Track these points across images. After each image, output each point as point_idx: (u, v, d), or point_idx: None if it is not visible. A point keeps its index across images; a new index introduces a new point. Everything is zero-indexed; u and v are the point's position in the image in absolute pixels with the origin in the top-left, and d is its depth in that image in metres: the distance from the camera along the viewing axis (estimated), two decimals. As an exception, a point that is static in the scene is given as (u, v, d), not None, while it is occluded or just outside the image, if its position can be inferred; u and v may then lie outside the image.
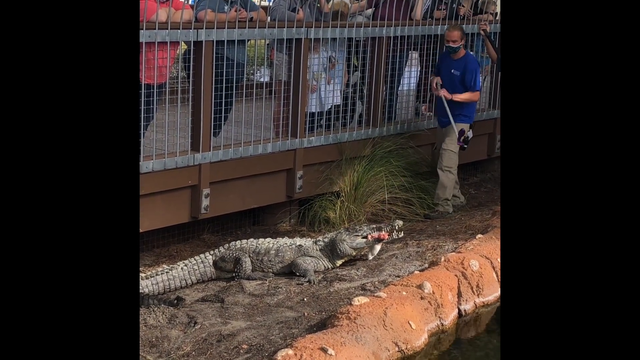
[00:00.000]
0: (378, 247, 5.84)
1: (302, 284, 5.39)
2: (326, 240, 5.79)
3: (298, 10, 6.78)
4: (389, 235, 5.76)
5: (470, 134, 7.22)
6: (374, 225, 5.86)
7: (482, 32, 7.92)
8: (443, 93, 7.14)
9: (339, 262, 5.76)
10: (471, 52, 8.25)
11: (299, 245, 5.73)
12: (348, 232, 5.78)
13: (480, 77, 7.57)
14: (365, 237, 5.74)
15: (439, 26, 7.78)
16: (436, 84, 7.24)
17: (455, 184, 7.37)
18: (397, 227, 5.80)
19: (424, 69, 7.85)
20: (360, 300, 4.54)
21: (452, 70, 7.20)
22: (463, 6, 8.21)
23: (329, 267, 5.73)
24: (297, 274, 5.56)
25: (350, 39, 7.25)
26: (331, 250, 5.72)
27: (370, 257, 5.83)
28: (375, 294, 4.73)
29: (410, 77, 8.12)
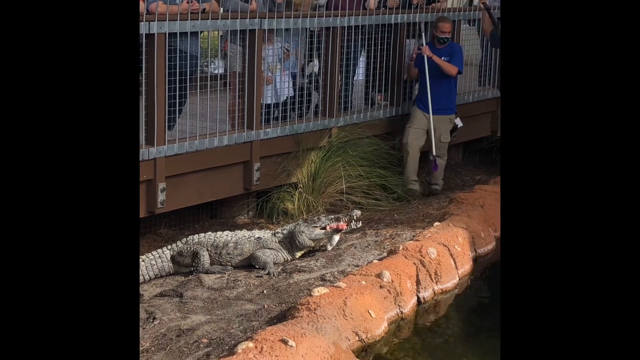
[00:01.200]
0: (337, 238, 5.85)
1: (261, 277, 5.38)
2: (285, 232, 5.78)
3: (251, 1, 6.74)
4: (347, 225, 5.77)
5: (459, 122, 7.77)
6: (332, 216, 5.86)
7: (482, 4, 8.12)
8: (426, 51, 7.52)
9: (299, 254, 5.75)
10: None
11: (258, 237, 5.71)
12: (306, 223, 5.77)
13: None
14: (324, 228, 5.74)
15: (393, 15, 7.79)
16: (418, 48, 7.67)
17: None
18: (355, 217, 5.81)
19: (377, 59, 7.87)
20: (319, 291, 4.54)
21: (442, 58, 7.57)
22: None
23: (289, 258, 5.72)
24: (257, 266, 5.54)
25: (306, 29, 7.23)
26: (290, 242, 5.71)
27: (329, 247, 5.84)
28: (335, 284, 4.74)
29: (364, 66, 8.14)
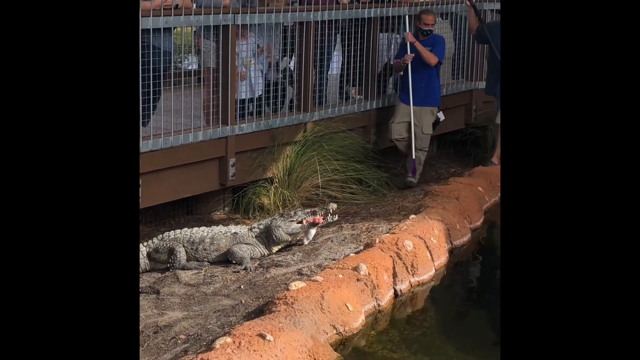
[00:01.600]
0: (313, 232, 5.86)
1: (238, 272, 5.38)
2: (261, 226, 5.78)
3: None
4: (323, 218, 5.78)
5: (441, 116, 7.94)
6: (309, 210, 5.87)
7: (467, 1, 8.26)
8: (409, 37, 7.71)
9: (276, 249, 5.76)
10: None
11: (234, 232, 5.71)
12: (283, 217, 5.78)
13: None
14: (301, 222, 5.75)
15: (366, 10, 7.81)
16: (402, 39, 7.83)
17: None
18: (331, 210, 5.82)
19: (352, 53, 7.89)
20: (297, 285, 4.55)
21: (426, 48, 7.74)
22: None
23: (266, 253, 5.72)
24: (234, 261, 5.54)
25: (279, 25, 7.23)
26: (267, 237, 5.72)
27: (306, 241, 5.85)
28: (312, 278, 4.75)
29: (338, 60, 8.15)
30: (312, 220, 5.75)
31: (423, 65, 7.75)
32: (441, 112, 7.97)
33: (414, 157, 7.80)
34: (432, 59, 7.75)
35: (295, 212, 5.84)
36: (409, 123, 7.81)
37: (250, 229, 5.78)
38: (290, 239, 5.77)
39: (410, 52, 7.72)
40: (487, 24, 8.42)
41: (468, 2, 8.31)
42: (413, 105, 7.80)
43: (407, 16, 8.02)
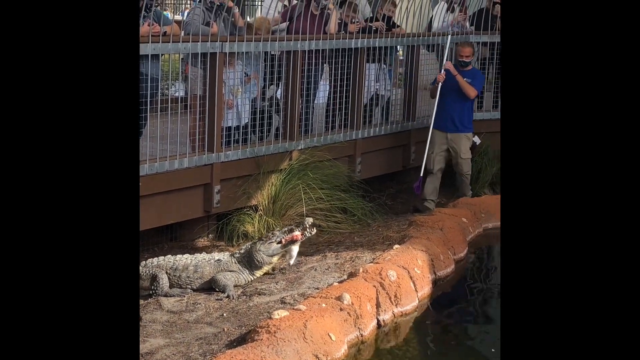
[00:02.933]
0: (296, 249, 5.83)
1: (221, 300, 5.35)
2: (242, 252, 5.77)
3: (212, 24, 6.76)
4: (302, 234, 5.77)
5: (477, 139, 8.28)
6: (286, 229, 5.88)
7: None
8: (449, 67, 7.99)
9: (260, 273, 5.74)
10: (384, 65, 8.44)
11: (218, 260, 5.69)
12: (262, 241, 5.78)
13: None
14: (280, 241, 5.74)
15: (353, 40, 7.87)
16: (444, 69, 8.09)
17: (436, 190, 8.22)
18: (308, 225, 5.81)
19: (338, 82, 7.93)
20: (280, 313, 4.54)
21: (465, 79, 8.03)
22: (378, 20, 8.35)
23: (250, 279, 5.70)
24: (217, 289, 5.52)
25: (266, 53, 7.27)
26: (249, 262, 5.71)
27: (291, 261, 5.82)
28: (295, 307, 4.74)
29: (324, 90, 8.19)
30: (290, 238, 5.74)
31: (459, 94, 8.02)
32: (476, 136, 8.31)
33: (421, 174, 8.09)
34: (471, 91, 8.05)
35: (273, 234, 5.83)
36: (446, 150, 8.15)
37: (232, 255, 5.76)
38: (273, 260, 5.76)
39: (450, 85, 8.00)
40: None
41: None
42: (448, 132, 8.10)
43: (447, 46, 8.32)
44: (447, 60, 8.23)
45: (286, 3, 8.09)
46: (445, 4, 9.33)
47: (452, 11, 9.24)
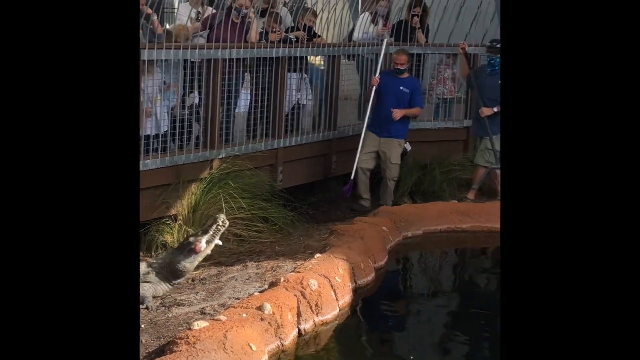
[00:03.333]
0: (211, 245, 5.79)
1: (139, 311, 5.25)
2: (160, 261, 5.69)
3: None
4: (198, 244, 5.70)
5: (408, 146, 8.50)
6: (199, 231, 5.84)
7: (461, 50, 8.85)
8: (397, 114, 8.30)
9: (182, 280, 5.68)
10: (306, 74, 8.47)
11: None
12: (179, 250, 5.72)
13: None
14: (193, 249, 5.70)
15: (274, 49, 7.87)
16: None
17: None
18: (221, 221, 5.78)
19: (259, 91, 7.91)
20: (199, 324, 4.48)
21: (401, 87, 8.38)
22: (299, 29, 8.38)
23: (168, 289, 5.62)
24: (134, 301, 5.42)
25: (186, 61, 7.20)
26: (170, 272, 5.63)
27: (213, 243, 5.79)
28: (215, 318, 4.68)
29: (245, 98, 8.16)
30: (196, 249, 5.69)
31: (396, 100, 8.32)
32: (407, 143, 8.47)
33: (352, 177, 8.33)
34: (417, 112, 8.54)
35: (188, 242, 5.78)
36: (375, 152, 8.38)
37: (150, 265, 5.67)
38: (195, 264, 5.74)
39: (389, 93, 8.35)
40: (474, 70, 8.86)
41: (462, 50, 8.84)
42: (382, 136, 8.38)
43: (383, 52, 8.66)
44: (381, 65, 8.55)
45: (200, 9, 8.04)
46: (370, 15, 9.43)
47: (376, 24, 9.34)
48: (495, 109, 8.28)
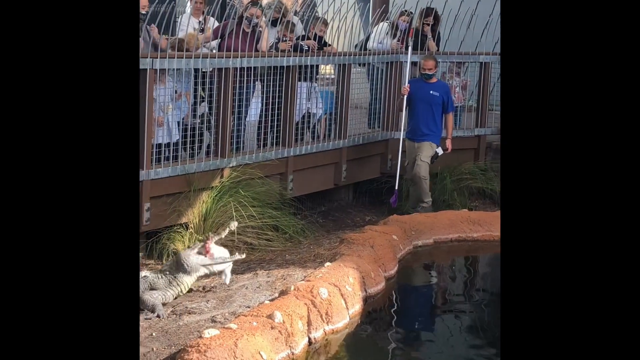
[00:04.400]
0: (228, 268, 5.82)
1: (150, 319, 5.27)
2: (169, 263, 5.73)
3: (140, 41, 6.70)
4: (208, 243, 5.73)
5: (440, 151, 8.60)
6: (207, 234, 5.89)
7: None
8: (404, 91, 8.54)
9: (190, 281, 5.67)
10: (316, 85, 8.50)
11: (144, 276, 5.61)
12: (189, 248, 5.78)
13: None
14: (200, 252, 5.72)
15: (285, 58, 7.89)
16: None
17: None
18: (229, 227, 5.82)
19: (270, 100, 7.94)
20: (210, 332, 4.49)
21: (432, 92, 8.53)
22: (309, 38, 8.41)
23: (177, 292, 5.63)
24: (146, 309, 5.43)
25: (197, 70, 7.24)
26: (178, 269, 5.63)
27: (227, 280, 5.82)
28: (226, 326, 4.70)
29: (256, 107, 8.19)
30: (207, 249, 5.72)
31: (428, 105, 8.49)
32: (440, 147, 8.57)
33: (396, 187, 8.49)
34: (451, 120, 8.69)
35: (196, 244, 5.84)
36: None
37: (160, 271, 5.69)
38: (201, 268, 5.71)
39: (420, 100, 8.49)
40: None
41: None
42: (416, 141, 8.50)
43: (409, 63, 8.77)
44: (409, 73, 8.68)
45: (201, 19, 8.09)
46: (388, 26, 9.45)
47: (394, 37, 9.35)
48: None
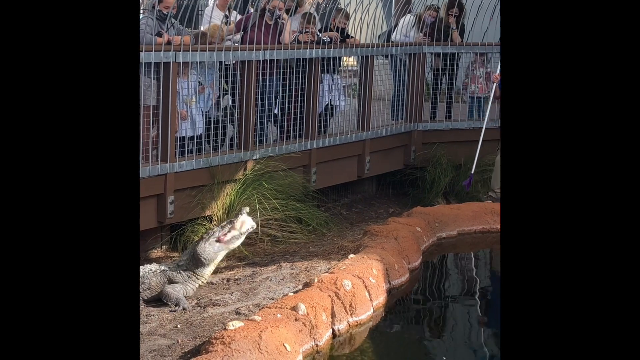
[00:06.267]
0: (238, 241, 5.81)
1: (175, 311, 5.30)
2: (185, 257, 5.73)
3: (163, 34, 6.72)
4: (225, 233, 5.71)
5: None
6: (224, 223, 5.85)
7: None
8: (495, 79, 8.48)
9: (207, 273, 5.68)
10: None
11: (164, 270, 5.64)
12: (204, 238, 5.75)
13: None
14: (218, 239, 5.71)
15: (307, 50, 7.88)
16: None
17: None
18: (243, 214, 5.79)
19: (293, 92, 7.94)
20: (234, 324, 4.51)
21: None
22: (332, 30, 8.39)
23: (197, 285, 5.65)
24: (169, 303, 5.45)
25: (220, 63, 7.25)
26: (194, 263, 5.64)
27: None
28: (250, 318, 4.71)
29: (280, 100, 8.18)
30: (223, 238, 5.70)
31: None
32: None
33: (472, 171, 8.52)
34: None
35: (213, 231, 5.81)
36: None
37: (177, 265, 5.70)
38: (218, 257, 5.73)
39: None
40: None
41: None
42: None
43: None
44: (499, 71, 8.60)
45: (226, 13, 8.09)
46: (413, 18, 9.41)
47: (421, 30, 9.32)
48: None
